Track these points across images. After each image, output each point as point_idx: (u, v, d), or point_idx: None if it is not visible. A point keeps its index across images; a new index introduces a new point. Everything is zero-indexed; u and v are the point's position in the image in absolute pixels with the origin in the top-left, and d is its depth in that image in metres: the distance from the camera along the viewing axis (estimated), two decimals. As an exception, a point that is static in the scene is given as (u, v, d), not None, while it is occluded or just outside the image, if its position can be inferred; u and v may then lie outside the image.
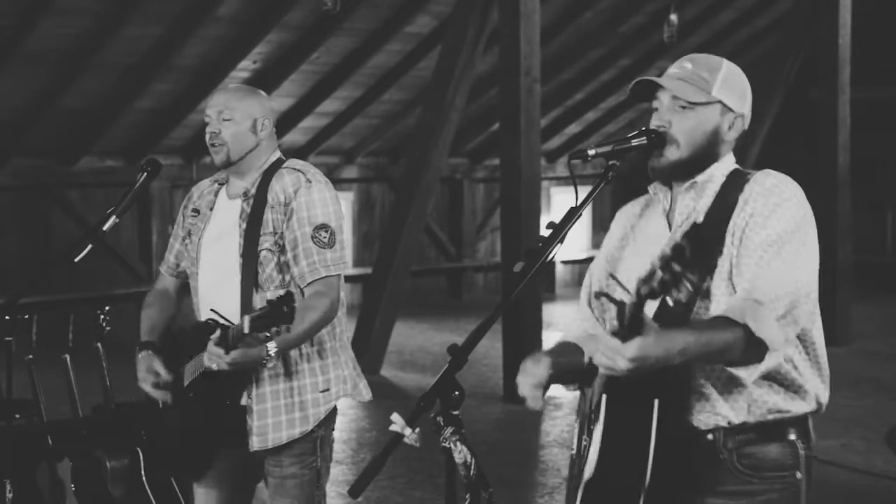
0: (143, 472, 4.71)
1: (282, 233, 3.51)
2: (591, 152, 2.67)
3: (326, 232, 3.51)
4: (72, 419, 5.00)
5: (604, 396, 2.51)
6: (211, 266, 3.62)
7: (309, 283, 3.50)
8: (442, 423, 2.50)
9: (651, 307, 2.51)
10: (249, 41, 9.72)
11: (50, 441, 4.96)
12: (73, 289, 10.17)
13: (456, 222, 14.19)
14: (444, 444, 2.48)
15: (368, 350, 9.43)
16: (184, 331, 3.71)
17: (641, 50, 12.78)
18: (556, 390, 3.81)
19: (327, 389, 3.57)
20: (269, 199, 3.54)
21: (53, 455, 4.92)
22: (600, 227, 14.81)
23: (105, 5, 8.69)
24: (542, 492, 6.28)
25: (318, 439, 3.60)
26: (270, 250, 3.51)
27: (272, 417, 3.51)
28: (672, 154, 2.65)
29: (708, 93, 2.65)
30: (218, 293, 3.57)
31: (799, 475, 2.62)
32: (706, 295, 2.55)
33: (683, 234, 2.14)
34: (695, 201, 2.68)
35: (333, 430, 3.68)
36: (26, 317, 4.77)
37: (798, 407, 2.62)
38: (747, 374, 2.55)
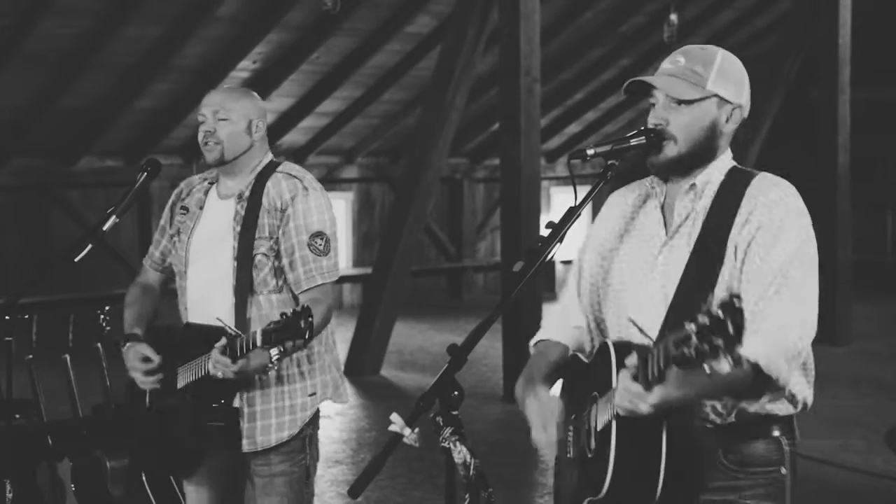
0: (142, 472, 4.72)
1: (277, 238, 3.53)
2: (591, 152, 2.66)
3: (322, 240, 3.55)
4: (72, 419, 5.00)
5: (613, 423, 2.53)
6: (202, 267, 3.62)
7: (304, 290, 3.53)
8: (441, 423, 2.50)
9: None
10: (249, 41, 9.72)
11: (50, 441, 4.96)
12: (73, 289, 10.18)
13: (456, 222, 14.20)
14: (443, 444, 2.48)
15: (368, 350, 9.44)
16: (172, 330, 3.72)
17: (641, 50, 12.78)
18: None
19: (314, 393, 3.63)
20: (265, 204, 3.55)
21: (53, 455, 4.92)
22: (600, 227, 14.79)
23: (105, 5, 8.69)
24: (542, 492, 6.28)
25: (306, 437, 3.64)
26: (266, 255, 3.53)
27: (263, 420, 3.55)
28: (671, 150, 2.65)
29: (702, 87, 2.63)
30: (209, 294, 3.58)
31: (784, 471, 2.65)
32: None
33: (721, 303, 2.11)
34: (693, 202, 2.68)
35: (318, 428, 3.73)
36: (26, 317, 4.77)
37: (784, 409, 2.65)
38: (748, 402, 2.60)
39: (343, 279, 12.93)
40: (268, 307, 3.53)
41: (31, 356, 4.89)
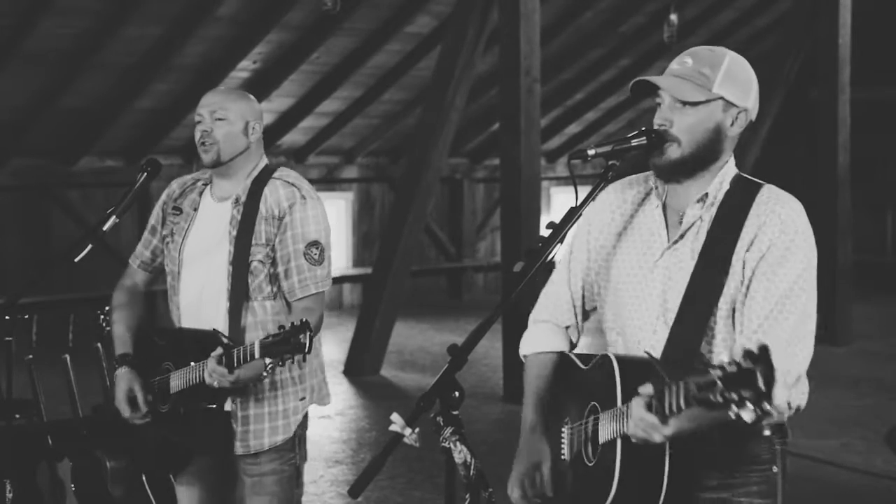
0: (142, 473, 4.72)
1: (273, 245, 3.54)
2: (591, 152, 2.66)
3: (317, 249, 3.56)
4: (72, 419, 5.00)
5: (619, 440, 2.54)
6: (197, 270, 3.62)
7: (298, 299, 3.56)
8: (442, 423, 2.50)
9: (657, 349, 2.60)
10: (249, 41, 9.72)
11: (50, 441, 4.95)
12: (73, 289, 10.17)
13: (456, 222, 14.20)
14: (443, 444, 2.49)
15: (368, 350, 9.44)
16: (164, 332, 3.73)
17: (641, 50, 12.78)
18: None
19: (304, 398, 3.66)
20: (263, 211, 3.55)
21: (53, 455, 4.92)
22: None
23: (105, 5, 8.69)
24: (542, 492, 6.28)
25: (296, 437, 3.66)
26: (262, 262, 3.54)
27: (256, 424, 3.56)
28: (674, 152, 2.64)
29: (708, 90, 2.62)
30: (203, 299, 3.58)
31: (775, 469, 2.68)
32: (710, 333, 2.61)
33: (750, 354, 2.07)
34: (703, 211, 2.68)
35: (307, 428, 3.75)
36: (26, 317, 4.76)
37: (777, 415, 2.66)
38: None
39: (343, 279, 12.94)
40: (262, 314, 3.55)
41: (31, 356, 4.89)
